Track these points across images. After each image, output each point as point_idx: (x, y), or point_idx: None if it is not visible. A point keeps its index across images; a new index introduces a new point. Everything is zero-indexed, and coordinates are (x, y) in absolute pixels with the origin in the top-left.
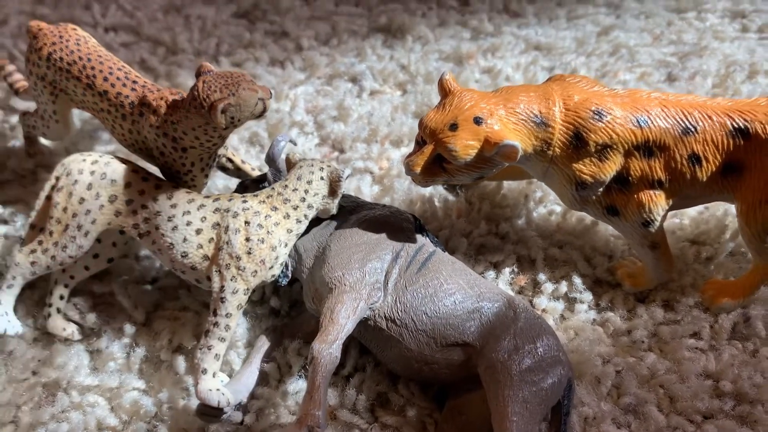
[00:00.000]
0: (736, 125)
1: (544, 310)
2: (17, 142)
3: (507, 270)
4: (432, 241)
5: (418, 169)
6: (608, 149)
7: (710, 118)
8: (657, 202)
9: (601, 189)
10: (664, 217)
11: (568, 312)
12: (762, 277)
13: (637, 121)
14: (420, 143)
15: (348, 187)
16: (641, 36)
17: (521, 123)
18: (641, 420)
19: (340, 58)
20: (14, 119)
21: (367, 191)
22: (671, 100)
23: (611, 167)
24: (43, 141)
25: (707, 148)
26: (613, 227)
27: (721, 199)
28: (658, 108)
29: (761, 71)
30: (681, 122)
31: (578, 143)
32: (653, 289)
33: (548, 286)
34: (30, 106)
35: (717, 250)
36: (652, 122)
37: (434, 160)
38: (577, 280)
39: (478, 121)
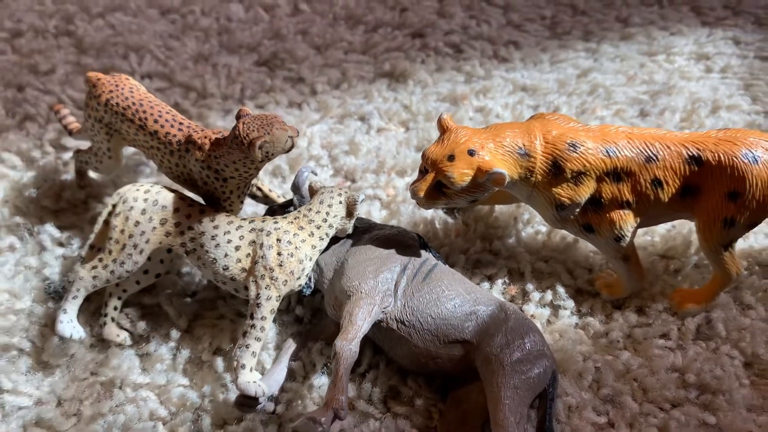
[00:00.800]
0: (690, 153)
1: (532, 316)
2: (69, 175)
3: (499, 281)
4: (434, 256)
5: (422, 194)
6: (582, 175)
7: (669, 147)
8: (626, 220)
9: (577, 210)
10: (634, 233)
11: (553, 317)
12: (721, 285)
13: (607, 151)
14: (422, 172)
15: (360, 211)
16: (616, 77)
17: (508, 154)
18: (618, 408)
19: (350, 100)
20: (66, 156)
21: (376, 215)
22: (636, 133)
23: (585, 191)
24: (91, 174)
25: (667, 173)
26: (590, 243)
27: (682, 217)
28: (625, 140)
29: (723, 107)
30: (644, 151)
31: (556, 171)
32: (628, 297)
33: (536, 295)
34: (79, 144)
35: (683, 263)
36: (620, 152)
37: (435, 186)
38: (561, 290)
39: (471, 152)
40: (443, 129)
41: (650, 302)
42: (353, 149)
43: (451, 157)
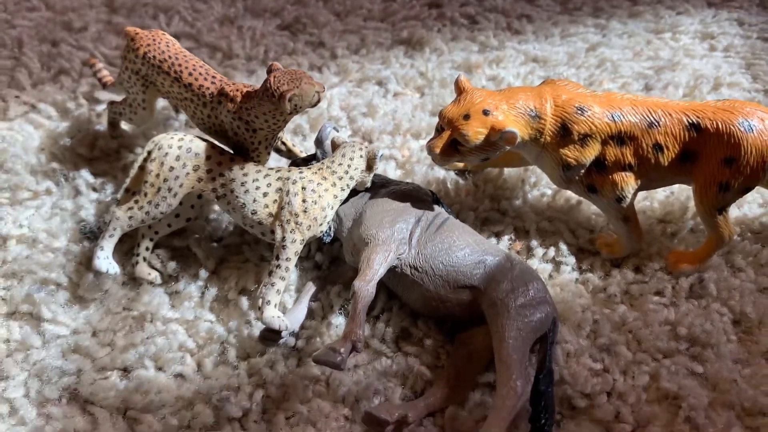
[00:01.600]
0: (690, 121)
1: (536, 270)
2: (101, 126)
3: (506, 238)
4: (446, 211)
5: (438, 150)
6: (588, 138)
7: (670, 114)
8: (628, 182)
9: (582, 171)
10: (634, 195)
11: (555, 273)
12: (715, 247)
13: (612, 116)
14: (439, 131)
15: (377, 170)
16: (624, 52)
17: (520, 115)
18: (613, 356)
19: (368, 65)
20: (99, 108)
21: (392, 174)
22: (639, 100)
23: (591, 153)
24: (123, 126)
25: (668, 138)
26: (593, 204)
27: (681, 181)
28: (629, 106)
29: (724, 84)
30: (647, 117)
31: (564, 132)
32: (626, 256)
33: (539, 251)
34: (111, 97)
35: (680, 227)
36: (624, 117)
37: (451, 143)
38: (563, 247)
39: (486, 112)
40: (460, 90)
41: (647, 261)
42: (371, 111)
43: (466, 117)
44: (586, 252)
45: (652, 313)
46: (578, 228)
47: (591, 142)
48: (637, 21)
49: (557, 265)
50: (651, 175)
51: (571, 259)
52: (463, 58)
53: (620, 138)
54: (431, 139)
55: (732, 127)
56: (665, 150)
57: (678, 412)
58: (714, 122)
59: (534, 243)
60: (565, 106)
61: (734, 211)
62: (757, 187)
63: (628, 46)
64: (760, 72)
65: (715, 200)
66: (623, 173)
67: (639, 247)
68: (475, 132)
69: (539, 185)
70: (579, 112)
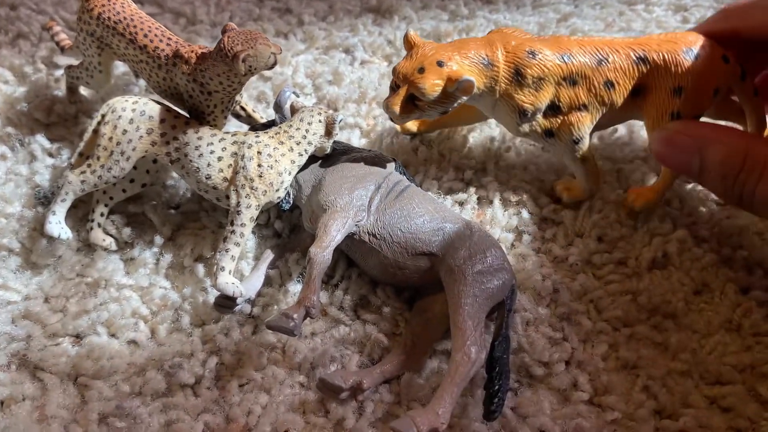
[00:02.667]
0: (637, 55)
1: (498, 240)
2: (60, 91)
3: (469, 207)
4: (408, 179)
5: (397, 108)
6: (542, 81)
7: (618, 51)
8: (583, 122)
9: (539, 116)
10: (591, 135)
11: (517, 242)
12: (670, 179)
13: (562, 57)
14: (393, 88)
15: (341, 138)
16: (595, 23)
17: (473, 65)
18: (573, 325)
19: (335, 33)
20: (57, 73)
21: (356, 143)
22: (586, 40)
23: (545, 96)
24: (82, 91)
25: (618, 74)
26: (551, 149)
27: (633, 117)
28: (577, 47)
29: None
30: (595, 55)
31: (518, 78)
32: (589, 225)
33: (501, 220)
34: (70, 61)
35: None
36: (574, 58)
37: (408, 99)
38: (526, 216)
39: (440, 64)
40: (410, 45)
41: (610, 231)
42: (336, 79)
43: (421, 70)
44: (549, 222)
45: (614, 282)
46: (541, 196)
47: (545, 85)
48: None
49: (519, 234)
50: (604, 113)
51: (534, 228)
52: (432, 27)
53: (572, 78)
54: (388, 98)
55: (677, 56)
56: (616, 86)
57: (636, 381)
58: (660, 54)
59: (497, 212)
60: (516, 52)
61: (699, 186)
62: None
63: (600, 17)
64: None
65: None
66: (578, 113)
67: (597, 189)
68: (432, 84)
69: (504, 157)
70: (530, 55)
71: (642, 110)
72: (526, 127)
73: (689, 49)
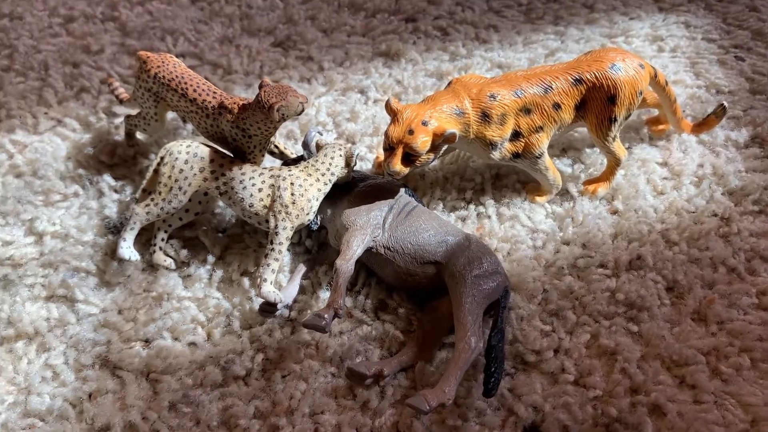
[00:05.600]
0: (574, 77)
1: (496, 249)
2: (119, 137)
3: (470, 222)
4: (416, 200)
5: (398, 167)
6: (504, 116)
7: (558, 78)
8: (541, 140)
9: (505, 143)
10: (546, 148)
11: (513, 250)
12: (615, 167)
13: (516, 93)
14: (387, 149)
15: (358, 166)
16: None
17: (449, 117)
18: (560, 319)
19: (351, 76)
20: (117, 121)
21: (371, 171)
22: (530, 74)
23: (509, 127)
24: (138, 136)
25: (562, 96)
26: (520, 167)
27: (579, 126)
28: (525, 81)
29: (669, 81)
30: (541, 85)
31: (486, 118)
32: (574, 234)
33: (499, 232)
34: (127, 111)
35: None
36: (525, 91)
37: (404, 156)
38: (519, 228)
39: (425, 123)
40: (393, 111)
41: (591, 238)
42: (353, 117)
43: (410, 131)
44: (540, 232)
45: (595, 282)
46: (532, 211)
47: (507, 119)
48: (593, 27)
49: (515, 243)
50: (557, 129)
51: (527, 239)
52: (435, 67)
53: (527, 108)
54: (386, 160)
55: (606, 72)
56: (563, 106)
57: (614, 364)
58: (591, 73)
59: (494, 226)
60: (479, 98)
61: (673, 195)
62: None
63: (584, 51)
64: (702, 70)
65: (608, 132)
66: (536, 135)
67: (559, 187)
68: (423, 142)
69: (499, 178)
70: (491, 98)
71: (585, 119)
72: (497, 155)
73: (613, 64)
